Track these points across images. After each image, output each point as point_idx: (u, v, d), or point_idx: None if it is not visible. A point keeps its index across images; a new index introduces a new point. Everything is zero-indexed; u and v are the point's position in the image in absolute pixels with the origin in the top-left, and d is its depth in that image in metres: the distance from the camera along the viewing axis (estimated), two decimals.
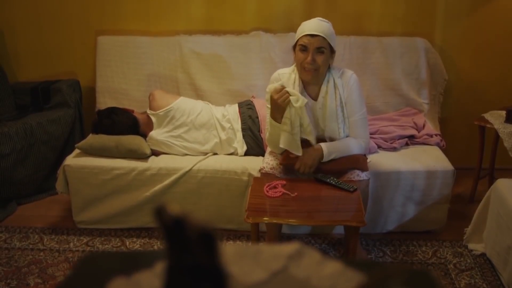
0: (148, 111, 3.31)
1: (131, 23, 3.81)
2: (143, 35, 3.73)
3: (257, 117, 3.23)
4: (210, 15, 3.77)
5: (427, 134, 3.35)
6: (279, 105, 2.57)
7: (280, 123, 2.63)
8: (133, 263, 0.97)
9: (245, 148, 3.21)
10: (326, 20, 2.67)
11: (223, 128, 3.25)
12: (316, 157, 2.67)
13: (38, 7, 3.81)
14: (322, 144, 2.70)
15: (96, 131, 3.27)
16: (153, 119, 3.26)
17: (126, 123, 3.26)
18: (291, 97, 2.57)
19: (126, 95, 3.67)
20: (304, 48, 2.61)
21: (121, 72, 3.68)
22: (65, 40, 3.89)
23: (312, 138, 2.69)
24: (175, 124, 3.23)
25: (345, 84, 2.72)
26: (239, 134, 3.23)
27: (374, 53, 3.60)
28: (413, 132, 3.35)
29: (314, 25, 2.61)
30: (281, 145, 2.66)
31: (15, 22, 3.86)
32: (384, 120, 3.47)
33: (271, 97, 2.59)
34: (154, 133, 3.22)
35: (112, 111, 3.32)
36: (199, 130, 3.24)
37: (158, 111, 3.24)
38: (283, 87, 2.59)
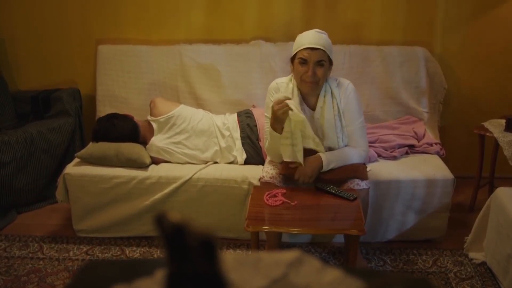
0: (149, 118, 3.32)
1: (131, 32, 3.82)
2: (144, 44, 3.74)
3: (255, 126, 3.24)
4: (210, 24, 3.78)
5: (427, 143, 3.35)
6: (278, 116, 2.55)
7: (280, 133, 2.62)
8: (133, 271, 0.97)
9: (244, 156, 3.21)
10: (323, 32, 2.68)
11: (223, 135, 3.26)
12: (315, 167, 2.67)
13: (39, 16, 3.83)
14: (321, 154, 2.70)
15: (97, 138, 3.27)
16: (154, 125, 3.26)
17: (126, 127, 3.27)
18: (290, 112, 2.52)
19: (126, 104, 3.67)
20: (304, 61, 2.61)
21: (121, 81, 3.69)
22: (66, 48, 3.90)
23: (321, 149, 2.67)
24: (176, 131, 3.24)
25: (342, 94, 2.72)
26: (238, 143, 3.23)
27: (374, 62, 3.62)
28: (413, 142, 3.35)
29: (313, 38, 2.61)
30: (285, 159, 2.66)
31: (16, 31, 3.88)
32: (384, 128, 3.48)
33: (272, 107, 2.58)
34: (155, 140, 3.23)
35: (112, 115, 3.34)
36: (199, 137, 3.24)
37: (159, 118, 3.25)
38: (286, 98, 2.55)
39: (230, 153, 3.24)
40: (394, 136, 3.37)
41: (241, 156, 3.22)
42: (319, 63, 2.61)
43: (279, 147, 2.67)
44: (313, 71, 2.59)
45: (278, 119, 2.56)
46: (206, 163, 3.22)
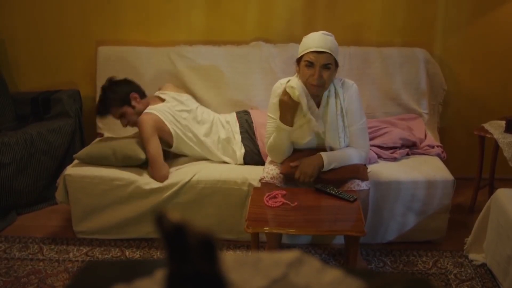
0: (158, 92, 3.36)
1: (131, 33, 3.82)
2: (144, 45, 3.74)
3: (252, 122, 3.29)
4: (210, 26, 3.79)
5: (428, 145, 3.35)
6: (288, 104, 2.59)
7: (291, 125, 2.65)
8: (133, 271, 0.97)
9: (243, 150, 3.22)
10: (330, 34, 2.66)
11: (223, 126, 3.30)
12: (316, 166, 2.67)
13: (39, 17, 3.83)
14: (322, 154, 2.70)
15: (100, 105, 3.26)
16: (165, 97, 3.29)
17: (135, 84, 3.30)
18: (289, 90, 2.59)
19: None
20: (310, 64, 2.60)
21: None
22: (66, 50, 3.90)
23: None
24: (184, 108, 3.28)
25: (345, 94, 2.73)
26: (238, 137, 3.25)
27: (374, 63, 3.62)
28: (415, 139, 3.33)
29: (320, 41, 2.60)
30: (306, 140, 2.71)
31: (16, 32, 3.88)
32: (383, 123, 3.47)
33: (280, 100, 2.62)
34: (161, 105, 3.25)
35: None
36: (201, 125, 3.28)
37: (171, 92, 3.29)
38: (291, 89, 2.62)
39: (229, 145, 3.25)
40: (393, 128, 3.38)
41: (240, 150, 3.22)
42: (326, 67, 2.60)
43: (284, 142, 2.68)
44: (319, 74, 2.59)
45: (288, 107, 2.60)
46: (204, 156, 3.27)
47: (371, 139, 3.34)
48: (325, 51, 2.58)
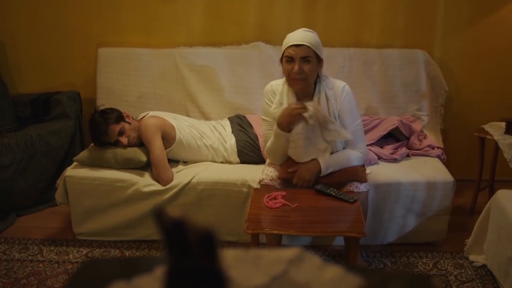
0: (145, 113, 3.34)
1: (131, 35, 3.82)
2: (144, 47, 3.74)
3: (244, 117, 3.39)
4: (210, 27, 3.79)
5: (429, 146, 3.35)
6: (291, 115, 2.57)
7: (286, 132, 2.62)
8: (132, 268, 0.97)
9: (233, 140, 3.26)
10: (311, 30, 2.68)
11: (215, 128, 3.36)
12: (313, 172, 2.66)
13: (40, 19, 3.84)
14: (320, 159, 2.69)
15: (93, 136, 3.24)
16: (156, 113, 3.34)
17: (114, 114, 3.23)
18: (305, 114, 2.55)
19: (127, 107, 3.66)
20: (290, 59, 2.61)
21: (121, 83, 3.69)
22: (66, 52, 3.90)
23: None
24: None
25: (336, 96, 2.71)
26: (228, 128, 3.33)
27: (374, 65, 3.62)
28: (394, 122, 3.34)
29: (298, 36, 2.63)
30: (298, 160, 2.68)
31: (17, 34, 3.88)
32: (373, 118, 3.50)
33: (290, 105, 2.61)
34: (158, 111, 3.37)
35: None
36: (200, 126, 3.35)
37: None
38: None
39: (221, 135, 3.30)
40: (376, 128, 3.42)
41: (231, 139, 3.28)
42: (305, 60, 2.60)
43: (281, 146, 2.68)
44: (299, 67, 2.59)
45: (290, 118, 2.58)
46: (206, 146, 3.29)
47: (370, 129, 3.34)
48: (303, 44, 2.59)
